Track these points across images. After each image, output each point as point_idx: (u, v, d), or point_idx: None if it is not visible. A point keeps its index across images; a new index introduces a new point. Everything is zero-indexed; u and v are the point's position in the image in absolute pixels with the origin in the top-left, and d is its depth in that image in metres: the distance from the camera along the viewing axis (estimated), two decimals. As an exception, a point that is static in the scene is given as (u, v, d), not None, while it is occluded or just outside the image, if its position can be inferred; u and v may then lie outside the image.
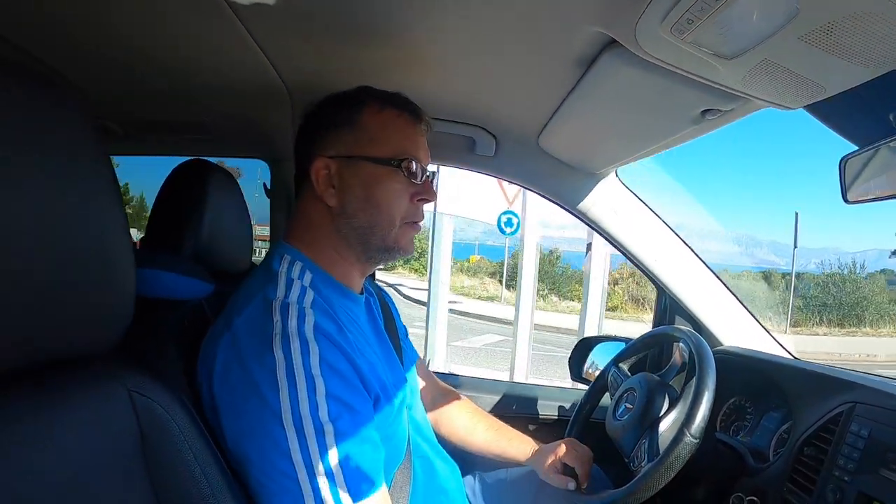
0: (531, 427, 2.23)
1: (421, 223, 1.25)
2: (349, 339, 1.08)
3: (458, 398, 1.79)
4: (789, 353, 1.94)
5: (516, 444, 1.71)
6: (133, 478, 0.77)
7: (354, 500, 0.96)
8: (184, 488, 0.82)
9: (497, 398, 2.26)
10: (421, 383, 1.67)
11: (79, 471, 0.69)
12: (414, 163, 1.19)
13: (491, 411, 2.25)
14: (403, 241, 1.22)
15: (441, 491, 1.39)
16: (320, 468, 0.94)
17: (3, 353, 0.62)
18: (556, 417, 2.23)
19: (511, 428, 1.77)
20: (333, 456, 0.95)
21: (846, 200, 1.32)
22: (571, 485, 1.55)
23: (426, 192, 1.22)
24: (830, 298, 21.97)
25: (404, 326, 1.62)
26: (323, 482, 0.94)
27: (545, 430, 2.20)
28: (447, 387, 1.83)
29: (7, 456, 0.61)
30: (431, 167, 1.28)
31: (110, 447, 0.74)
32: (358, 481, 0.97)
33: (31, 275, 0.61)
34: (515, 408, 2.26)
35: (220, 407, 0.99)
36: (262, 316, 1.04)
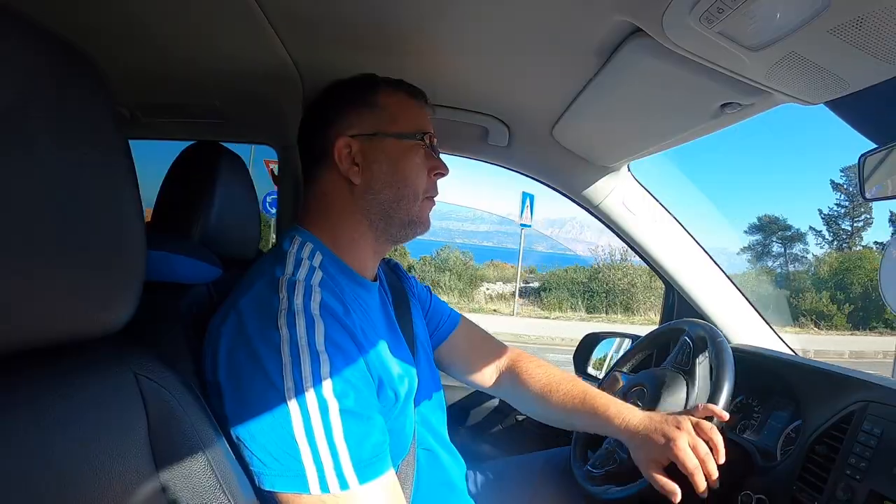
0: (520, 419, 2.23)
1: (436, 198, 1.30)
2: (355, 321, 1.08)
3: (524, 356, 1.71)
4: (794, 352, 1.95)
5: (613, 409, 1.42)
6: (140, 460, 0.76)
7: (361, 482, 0.95)
8: (189, 471, 0.82)
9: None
10: (474, 347, 1.69)
11: (86, 453, 0.68)
12: (433, 137, 1.26)
13: (479, 402, 2.26)
14: (424, 215, 1.26)
15: (445, 484, 1.39)
16: (325, 447, 0.93)
17: (13, 335, 0.61)
18: None
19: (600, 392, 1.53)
20: (339, 434, 0.95)
21: (864, 197, 1.32)
22: (676, 498, 1.24)
23: (442, 165, 1.27)
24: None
25: (429, 293, 1.64)
26: (327, 461, 0.93)
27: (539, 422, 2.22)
28: (501, 346, 1.74)
29: (16, 437, 0.61)
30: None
31: (117, 430, 0.74)
32: (364, 461, 0.97)
33: (42, 254, 0.61)
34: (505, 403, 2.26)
35: (224, 386, 0.99)
36: (268, 293, 1.05)
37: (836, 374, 1.48)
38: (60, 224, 0.62)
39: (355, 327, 1.07)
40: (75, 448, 0.67)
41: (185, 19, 1.25)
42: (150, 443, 0.78)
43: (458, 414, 2.26)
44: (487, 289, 21.57)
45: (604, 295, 20.06)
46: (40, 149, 0.59)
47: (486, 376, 1.69)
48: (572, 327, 16.11)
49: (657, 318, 2.34)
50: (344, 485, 0.93)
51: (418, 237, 1.29)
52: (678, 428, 1.27)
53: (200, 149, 1.36)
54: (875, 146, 1.29)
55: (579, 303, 20.27)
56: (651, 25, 1.03)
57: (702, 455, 1.23)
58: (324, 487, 0.92)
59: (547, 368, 1.63)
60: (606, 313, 19.79)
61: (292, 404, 0.94)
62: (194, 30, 1.30)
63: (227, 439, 0.93)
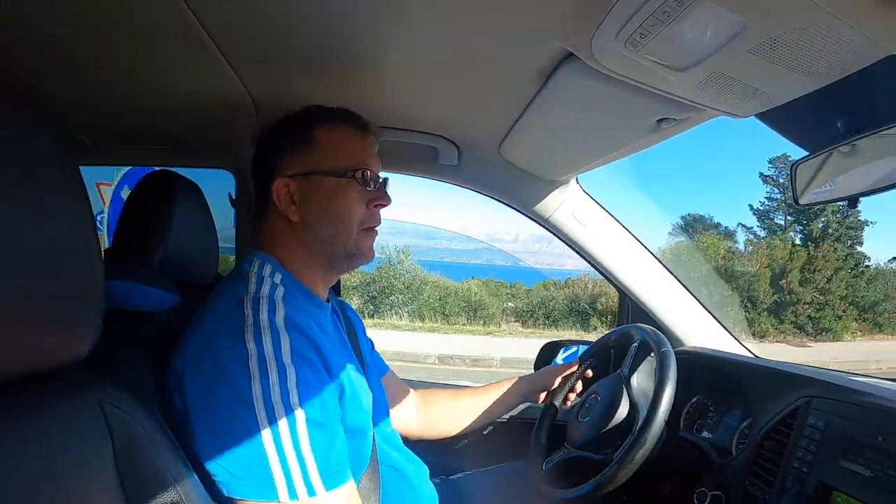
0: (486, 432, 2.24)
1: (375, 230, 1.30)
2: (317, 335, 1.12)
3: (440, 392, 1.87)
4: (750, 352, 1.99)
5: (502, 388, 1.81)
6: (106, 489, 0.77)
7: (328, 488, 0.98)
8: (157, 498, 0.82)
9: None
10: (397, 396, 1.72)
11: (51, 483, 0.68)
12: (367, 171, 1.25)
13: None
14: (364, 247, 1.27)
15: (414, 499, 1.40)
16: (292, 455, 0.96)
17: None
18: (506, 419, 2.24)
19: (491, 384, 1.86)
20: (305, 444, 0.98)
21: (797, 203, 1.36)
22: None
23: (381, 196, 1.28)
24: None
25: (370, 341, 1.64)
26: (295, 470, 0.96)
27: (502, 433, 2.22)
28: (422, 390, 1.87)
29: None
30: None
31: (83, 458, 0.74)
32: (330, 469, 1.00)
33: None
34: None
35: (191, 406, 1.00)
36: (233, 311, 1.07)
37: (782, 372, 1.52)
38: (14, 261, 0.62)
39: (318, 340, 1.10)
40: (42, 477, 0.67)
41: (138, 51, 1.25)
42: (118, 470, 0.79)
43: None
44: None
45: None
46: None
47: (407, 419, 1.78)
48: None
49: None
50: (311, 492, 0.97)
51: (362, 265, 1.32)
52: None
53: (157, 178, 1.36)
54: (806, 153, 1.33)
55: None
56: (582, 50, 1.06)
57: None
58: (292, 495, 0.95)
59: (444, 390, 1.88)
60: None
61: (261, 416, 0.96)
62: (148, 61, 1.30)
63: (192, 463, 0.94)
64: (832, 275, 17.13)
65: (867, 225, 18.42)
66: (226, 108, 1.57)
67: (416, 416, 1.79)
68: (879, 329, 17.29)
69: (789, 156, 17.50)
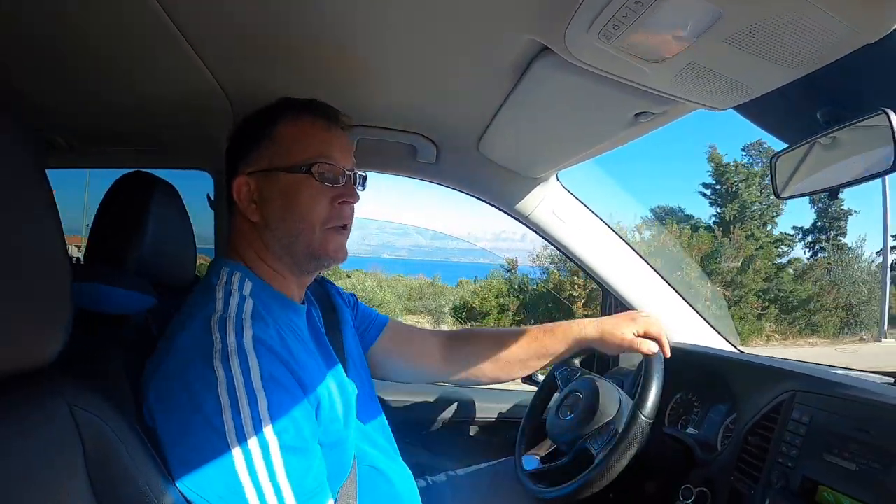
0: (472, 432, 2.24)
1: (348, 226, 1.24)
2: (290, 348, 1.08)
3: (477, 336, 1.73)
4: (734, 347, 1.99)
5: (569, 326, 1.59)
6: (77, 494, 0.75)
7: None
8: (130, 502, 0.81)
9: (432, 401, 2.26)
10: (409, 342, 1.67)
11: (20, 489, 0.68)
12: (327, 165, 1.18)
13: (427, 416, 2.25)
14: (330, 248, 1.20)
15: (394, 499, 1.38)
16: (268, 485, 0.94)
17: None
18: (494, 419, 2.23)
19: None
20: (280, 472, 0.95)
21: (778, 196, 1.35)
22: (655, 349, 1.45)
23: (346, 192, 1.20)
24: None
25: (352, 296, 1.62)
26: (272, 499, 0.94)
27: (488, 432, 2.21)
28: (436, 332, 1.78)
29: None
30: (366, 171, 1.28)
31: (52, 464, 0.73)
32: (306, 494, 0.98)
33: None
34: (453, 412, 2.26)
35: (163, 433, 0.98)
36: (201, 334, 1.03)
37: (766, 367, 1.52)
38: None
39: (290, 355, 1.06)
40: (9, 481, 0.66)
41: (112, 51, 1.23)
42: (89, 477, 0.78)
43: (406, 428, 2.25)
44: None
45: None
46: None
47: (432, 364, 1.67)
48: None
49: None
50: None
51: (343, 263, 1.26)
52: (633, 318, 1.50)
53: (132, 179, 1.34)
54: (786, 146, 1.32)
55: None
56: (555, 43, 1.05)
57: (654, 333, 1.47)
58: None
59: (482, 330, 1.70)
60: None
61: (234, 446, 0.94)
62: (123, 61, 1.29)
63: (167, 472, 0.92)
64: (744, 266, 14.62)
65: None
66: (201, 107, 1.56)
67: (444, 361, 1.69)
68: (813, 332, 15.43)
69: (764, 142, 17.12)
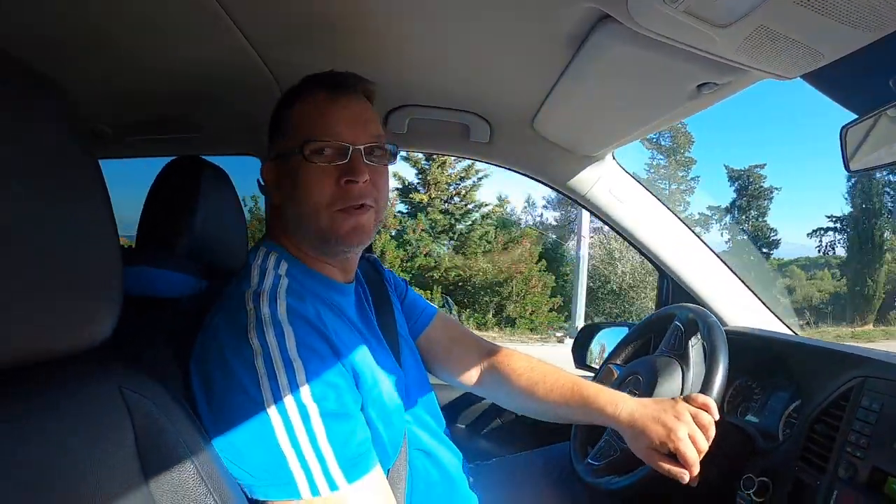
0: (521, 418, 2.23)
1: (363, 207, 1.15)
2: (325, 321, 1.08)
3: (507, 351, 1.65)
4: (793, 332, 1.93)
5: (605, 397, 1.38)
6: (128, 472, 0.77)
7: (349, 480, 0.96)
8: (179, 481, 0.82)
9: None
10: (451, 341, 1.65)
11: (74, 468, 0.69)
12: (320, 143, 1.13)
13: (476, 401, 2.25)
14: (341, 230, 1.14)
15: (445, 482, 1.38)
16: (310, 452, 0.95)
17: None
18: None
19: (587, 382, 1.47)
20: (322, 437, 0.96)
21: (848, 170, 1.30)
22: (686, 478, 1.23)
23: (350, 171, 1.13)
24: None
25: (404, 282, 1.62)
26: (315, 465, 0.94)
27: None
28: (482, 341, 1.70)
29: (1, 454, 0.62)
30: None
31: (104, 443, 0.75)
32: (350, 461, 0.98)
33: (16, 274, 0.61)
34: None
35: (205, 409, 0.99)
36: (236, 308, 1.05)
37: (833, 352, 1.47)
38: (32, 245, 0.63)
39: (327, 328, 1.07)
40: (63, 462, 0.68)
41: (154, 32, 1.24)
42: (139, 455, 0.79)
43: (454, 412, 2.26)
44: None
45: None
46: (3, 176, 0.60)
47: (469, 373, 1.63)
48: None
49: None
50: (333, 486, 0.94)
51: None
52: (677, 418, 1.25)
53: (182, 163, 1.36)
54: (855, 117, 1.27)
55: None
56: (617, 10, 1.02)
57: (700, 447, 1.23)
58: (314, 491, 0.94)
59: (531, 362, 1.57)
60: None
61: (273, 415, 0.95)
62: (166, 42, 1.30)
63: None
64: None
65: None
66: (249, 91, 1.57)
67: (475, 375, 1.64)
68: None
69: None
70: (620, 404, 1.33)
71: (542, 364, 1.57)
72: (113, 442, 0.76)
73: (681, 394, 1.42)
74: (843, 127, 1.29)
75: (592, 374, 1.88)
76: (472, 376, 1.63)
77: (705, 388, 1.32)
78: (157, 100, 1.69)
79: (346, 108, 1.16)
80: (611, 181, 1.95)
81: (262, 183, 1.23)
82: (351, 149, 1.13)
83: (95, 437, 0.73)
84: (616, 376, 1.68)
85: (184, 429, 0.85)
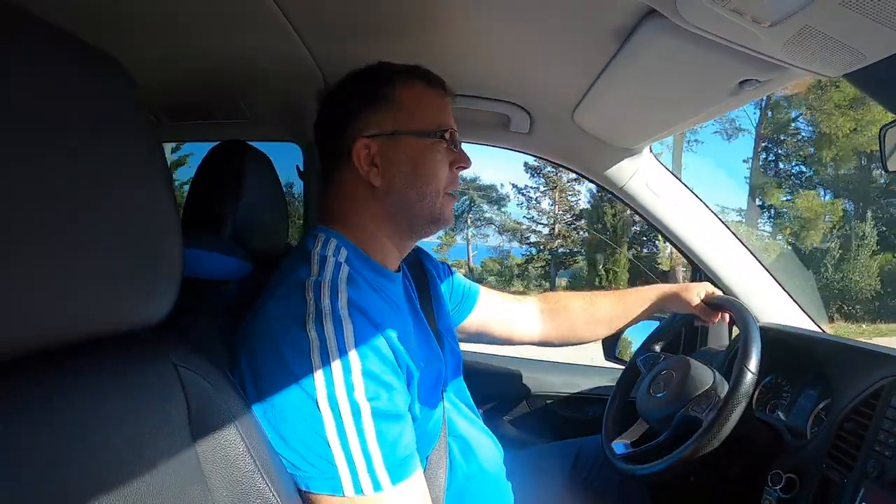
0: (554, 407, 2.26)
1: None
2: (384, 315, 1.08)
3: (568, 297, 1.89)
4: (822, 330, 1.94)
5: (641, 293, 1.82)
6: (181, 449, 0.78)
7: (394, 482, 0.96)
8: (227, 456, 0.83)
9: (512, 375, 2.30)
10: (502, 313, 1.76)
11: (131, 441, 0.71)
12: (454, 132, 1.22)
13: (509, 390, 2.28)
14: (447, 212, 1.24)
15: (481, 469, 1.39)
16: (358, 450, 0.94)
17: (58, 328, 0.63)
18: (576, 395, 2.26)
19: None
20: (371, 437, 0.96)
21: (886, 170, 1.31)
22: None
23: (462, 158, 1.25)
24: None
25: (448, 266, 1.66)
26: (361, 464, 0.94)
27: (571, 408, 2.23)
28: (543, 296, 1.90)
29: (62, 426, 0.64)
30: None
31: (159, 418, 0.76)
32: (397, 462, 0.98)
33: (86, 252, 0.63)
34: (534, 386, 2.29)
35: (254, 396, 0.99)
36: (294, 297, 1.05)
37: (864, 351, 1.47)
38: (98, 221, 0.64)
39: (383, 322, 1.06)
40: (121, 435, 0.70)
41: (212, 18, 1.27)
42: (191, 430, 0.81)
43: (489, 401, 2.28)
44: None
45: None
46: (71, 148, 0.62)
47: (525, 328, 1.78)
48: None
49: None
50: (377, 486, 0.95)
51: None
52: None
53: (227, 147, 1.38)
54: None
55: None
56: (665, 5, 1.03)
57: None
58: (357, 489, 0.94)
59: (569, 293, 1.81)
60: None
61: (324, 409, 0.95)
62: (211, 28, 1.32)
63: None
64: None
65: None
66: (290, 74, 1.59)
67: (540, 324, 1.82)
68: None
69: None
70: (658, 287, 1.81)
71: (577, 295, 1.84)
72: (168, 418, 0.77)
73: (713, 380, 1.46)
74: (883, 127, 1.30)
75: (622, 367, 1.90)
76: (532, 326, 1.80)
77: (743, 358, 1.36)
78: (201, 87, 1.72)
79: (450, 106, 1.28)
80: (648, 175, 1.96)
81: (357, 163, 1.18)
82: (460, 141, 1.25)
83: (152, 412, 0.75)
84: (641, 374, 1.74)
85: (234, 406, 0.86)
